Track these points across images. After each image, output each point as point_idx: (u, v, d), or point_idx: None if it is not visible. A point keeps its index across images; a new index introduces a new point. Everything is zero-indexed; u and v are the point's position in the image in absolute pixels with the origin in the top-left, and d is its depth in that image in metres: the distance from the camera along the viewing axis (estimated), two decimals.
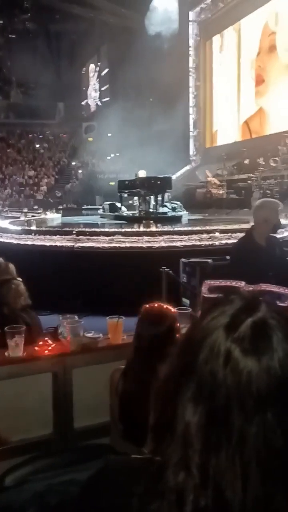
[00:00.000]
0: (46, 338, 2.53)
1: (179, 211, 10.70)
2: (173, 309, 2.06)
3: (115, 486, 0.68)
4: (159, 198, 10.76)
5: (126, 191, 11.16)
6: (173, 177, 16.06)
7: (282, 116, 14.60)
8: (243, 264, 2.83)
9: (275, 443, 0.52)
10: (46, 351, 2.40)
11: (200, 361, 0.56)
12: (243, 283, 0.73)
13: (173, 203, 10.85)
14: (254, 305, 0.59)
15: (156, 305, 2.04)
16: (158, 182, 10.36)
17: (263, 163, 13.04)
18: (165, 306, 2.05)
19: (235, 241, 6.88)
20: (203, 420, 0.54)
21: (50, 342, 2.47)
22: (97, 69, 28.79)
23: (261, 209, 3.13)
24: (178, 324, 2.03)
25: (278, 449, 0.52)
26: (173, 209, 10.53)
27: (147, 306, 2.05)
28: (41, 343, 2.46)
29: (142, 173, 11.23)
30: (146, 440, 1.94)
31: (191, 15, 19.90)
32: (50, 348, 2.42)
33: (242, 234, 7.09)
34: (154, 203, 10.59)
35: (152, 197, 10.54)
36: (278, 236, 3.33)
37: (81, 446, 2.03)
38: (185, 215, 10.85)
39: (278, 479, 0.52)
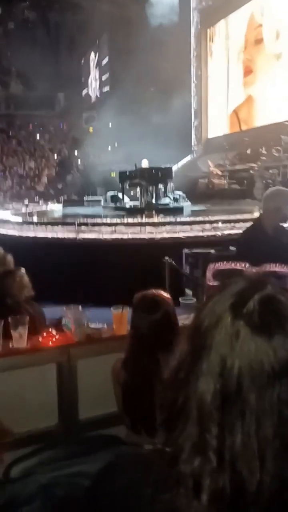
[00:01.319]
0: (50, 329, 2.52)
1: (182, 201, 10.64)
2: (165, 294, 2.04)
3: (126, 477, 0.68)
4: (161, 189, 10.72)
5: (127, 181, 11.12)
6: (175, 167, 15.99)
7: (270, 105, 14.65)
8: (251, 254, 2.81)
9: None
10: (50, 342, 2.39)
11: (210, 342, 0.56)
12: (247, 265, 0.72)
13: (176, 193, 10.79)
14: (261, 283, 0.59)
15: (148, 293, 2.02)
16: (159, 173, 10.31)
17: (265, 152, 12.95)
18: (157, 293, 2.03)
19: (237, 231, 6.88)
20: (217, 401, 0.54)
21: (54, 333, 2.46)
22: (97, 58, 28.57)
23: (275, 197, 3.08)
24: (173, 308, 2.01)
25: None
26: (175, 199, 10.48)
27: (139, 294, 2.03)
28: (45, 334, 2.45)
29: (145, 163, 11.19)
30: (156, 430, 1.93)
31: (193, 2, 19.67)
32: (54, 339, 2.41)
33: (245, 224, 7.10)
34: (156, 193, 10.56)
35: (154, 187, 10.51)
36: (285, 225, 3.30)
37: (87, 437, 2.02)
38: (187, 205, 10.79)
39: None
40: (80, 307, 2.63)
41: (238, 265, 0.58)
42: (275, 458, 0.51)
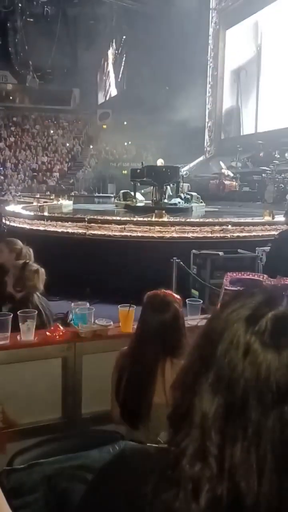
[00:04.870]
0: (57, 324, 2.54)
1: (195, 202, 10.60)
2: (176, 296, 2.06)
3: (130, 472, 0.69)
4: (174, 188, 10.71)
5: (138, 179, 11.12)
6: (186, 167, 15.94)
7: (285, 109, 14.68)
8: (282, 259, 2.77)
9: None
10: (57, 337, 2.42)
11: (220, 352, 0.56)
12: (265, 277, 0.72)
13: (188, 194, 10.75)
14: (276, 299, 0.59)
15: (159, 292, 2.05)
16: (166, 172, 10.27)
17: (278, 156, 12.89)
18: (168, 293, 2.05)
19: (247, 234, 6.88)
20: (220, 411, 0.54)
21: (61, 328, 2.49)
22: (114, 56, 28.53)
23: None
24: (181, 310, 2.03)
25: None
26: (187, 200, 10.44)
27: (151, 293, 2.05)
28: (52, 328, 2.47)
29: (160, 162, 11.20)
30: (140, 424, 1.94)
31: (212, 2, 19.57)
32: (61, 333, 2.44)
33: (255, 228, 7.06)
34: (169, 193, 10.55)
35: (168, 187, 10.50)
36: None
37: (91, 431, 2.05)
38: (197, 206, 10.74)
39: None
40: (87, 303, 2.66)
41: (256, 276, 0.58)
42: (273, 475, 0.51)
